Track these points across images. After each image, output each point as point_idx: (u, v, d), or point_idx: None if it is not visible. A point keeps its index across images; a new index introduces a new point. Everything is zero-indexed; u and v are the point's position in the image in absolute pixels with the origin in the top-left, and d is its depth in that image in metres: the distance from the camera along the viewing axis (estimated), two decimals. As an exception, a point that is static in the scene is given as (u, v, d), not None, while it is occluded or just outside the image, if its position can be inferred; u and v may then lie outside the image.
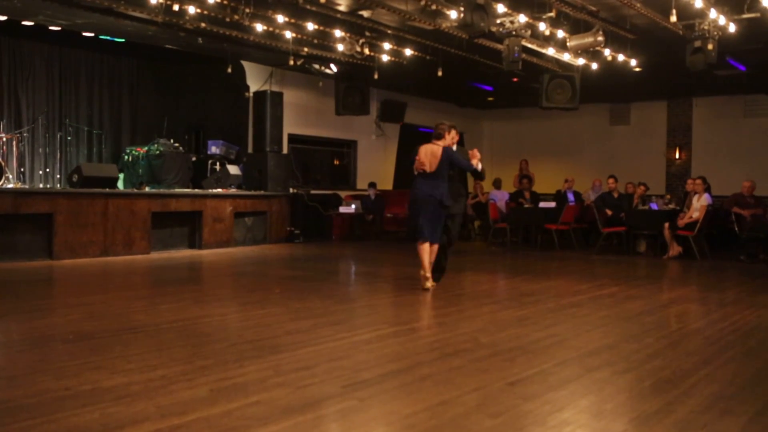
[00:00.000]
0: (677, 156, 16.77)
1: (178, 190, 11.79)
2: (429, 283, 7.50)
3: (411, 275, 9.43)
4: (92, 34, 11.46)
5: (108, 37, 11.76)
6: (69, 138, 12.72)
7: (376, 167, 16.67)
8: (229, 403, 3.55)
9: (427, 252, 7.50)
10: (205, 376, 4.03)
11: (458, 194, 8.09)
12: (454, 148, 7.86)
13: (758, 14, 8.70)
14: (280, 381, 3.96)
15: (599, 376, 4.23)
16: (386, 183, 16.90)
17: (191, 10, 9.46)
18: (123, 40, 11.82)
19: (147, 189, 11.50)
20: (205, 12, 9.57)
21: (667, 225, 11.83)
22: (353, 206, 14.18)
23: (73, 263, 9.60)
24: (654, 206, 12.87)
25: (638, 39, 10.48)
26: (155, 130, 13.62)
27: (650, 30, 10.05)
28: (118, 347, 4.73)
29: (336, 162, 16.71)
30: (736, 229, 11.98)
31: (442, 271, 8.04)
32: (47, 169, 12.42)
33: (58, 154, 12.56)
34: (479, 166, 8.02)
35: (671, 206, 12.98)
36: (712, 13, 8.78)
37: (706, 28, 9.17)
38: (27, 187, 11.08)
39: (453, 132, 7.83)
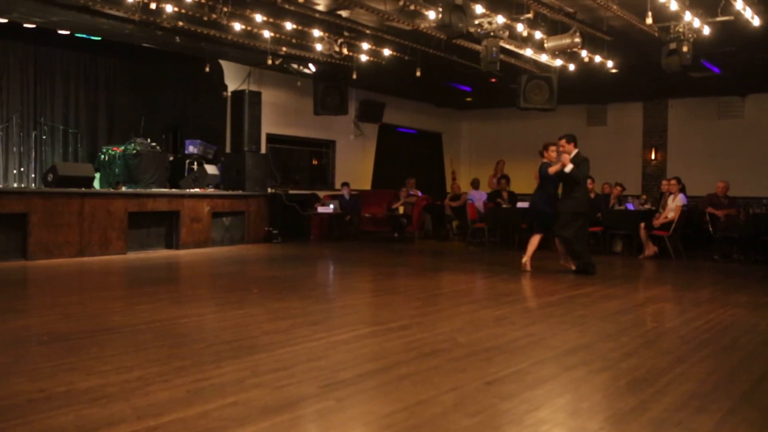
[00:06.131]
0: (653, 157, 16.95)
1: (155, 190, 11.71)
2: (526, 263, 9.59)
3: (389, 274, 9.46)
4: (68, 32, 11.35)
5: (84, 36, 11.65)
6: (44, 137, 12.59)
7: (354, 167, 16.67)
8: (206, 403, 3.53)
9: (534, 240, 9.73)
10: (181, 377, 4.01)
11: (563, 197, 9.39)
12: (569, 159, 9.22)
13: (731, 17, 8.82)
14: (258, 381, 3.95)
15: (575, 375, 4.26)
16: (365, 183, 16.91)
17: (168, 8, 9.40)
18: (99, 38, 11.71)
19: (123, 189, 11.41)
20: (183, 11, 9.51)
21: (642, 225, 11.96)
22: (331, 206, 14.16)
23: (48, 264, 9.50)
24: (630, 206, 13.01)
25: (615, 41, 10.57)
26: (132, 130, 13.52)
27: (626, 32, 10.15)
28: (93, 348, 4.68)
29: (314, 162, 16.69)
30: (711, 229, 12.13)
31: (578, 260, 9.36)
32: (21, 169, 12.28)
33: (33, 154, 12.42)
34: (567, 169, 9.12)
35: (647, 206, 13.12)
36: (687, 16, 8.89)
37: (681, 30, 9.28)
38: (1, 186, 10.95)
39: (553, 146, 9.48)
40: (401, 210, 15.04)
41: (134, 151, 12.29)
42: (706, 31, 9.25)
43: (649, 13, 8.38)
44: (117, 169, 12.35)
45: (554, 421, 3.40)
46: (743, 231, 11.60)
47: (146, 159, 12.32)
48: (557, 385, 4.03)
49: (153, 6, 9.23)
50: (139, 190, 11.42)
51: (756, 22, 8.86)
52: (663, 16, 9.02)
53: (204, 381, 3.94)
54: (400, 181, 15.81)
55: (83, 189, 10.50)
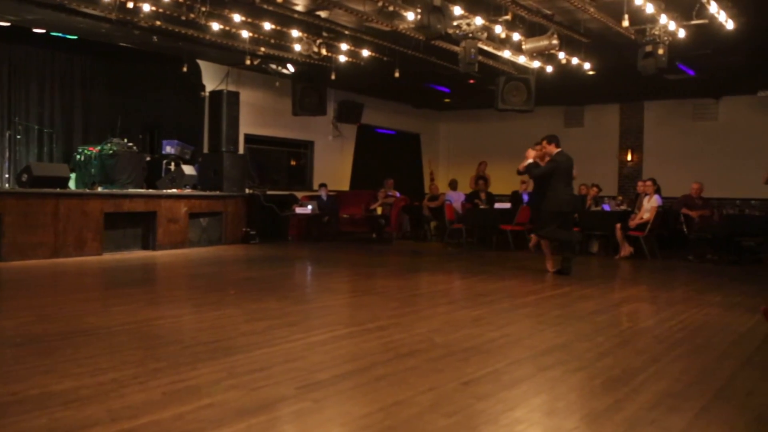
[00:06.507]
0: (629, 158, 17.09)
1: (131, 191, 11.61)
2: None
3: (367, 275, 9.46)
4: (43, 31, 11.22)
5: (60, 34, 11.53)
6: (18, 137, 12.41)
7: (333, 168, 16.65)
8: (181, 405, 3.51)
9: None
10: (157, 378, 3.99)
11: (544, 197, 9.45)
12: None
13: (706, 21, 8.92)
14: (234, 383, 3.93)
15: (551, 374, 4.29)
16: (343, 184, 16.90)
17: (146, 7, 9.32)
18: (75, 37, 11.59)
19: (99, 189, 11.30)
20: (160, 10, 9.44)
21: (618, 226, 12.06)
22: (309, 207, 14.13)
23: (22, 265, 9.38)
24: (606, 207, 13.12)
25: (592, 43, 10.66)
26: (109, 130, 13.38)
27: (603, 34, 10.23)
28: (68, 350, 4.64)
29: (293, 162, 16.65)
30: (685, 229, 12.28)
31: (567, 249, 9.48)
32: (-5, 169, 12.11)
33: (7, 153, 12.23)
34: (524, 164, 9.61)
35: (623, 207, 13.23)
36: (663, 19, 8.98)
37: (656, 33, 9.37)
38: (-26, 186, 10.79)
39: (538, 146, 9.61)
40: (379, 211, 15.06)
41: (111, 152, 12.16)
42: (682, 34, 9.34)
43: (626, 16, 8.45)
44: (93, 170, 12.21)
45: (530, 421, 3.42)
46: (717, 231, 11.76)
47: (123, 159, 12.19)
48: (533, 385, 4.06)
49: (130, 5, 9.16)
50: (115, 191, 11.32)
51: (730, 25, 8.98)
52: (639, 19, 9.11)
53: (180, 383, 3.92)
54: (379, 181, 15.83)
55: (58, 189, 10.38)
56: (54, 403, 3.50)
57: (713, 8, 8.46)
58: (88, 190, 11.14)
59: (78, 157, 12.53)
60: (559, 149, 9.37)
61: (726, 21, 8.85)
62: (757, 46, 11.00)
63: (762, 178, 12.23)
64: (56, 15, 9.81)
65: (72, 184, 11.76)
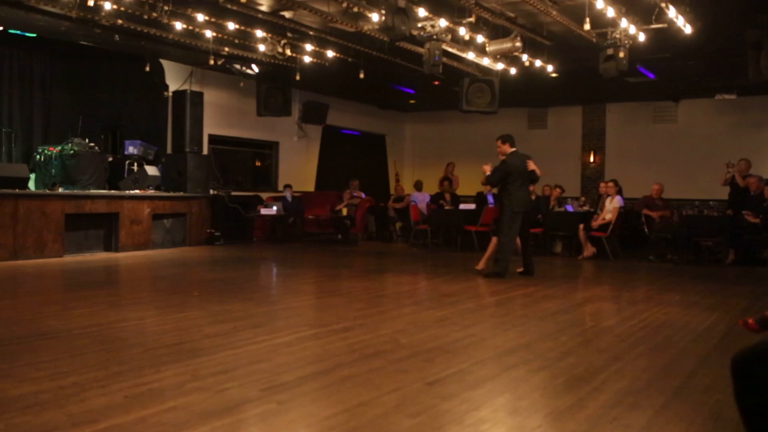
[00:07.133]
0: (592, 159, 17.32)
1: (93, 191, 11.44)
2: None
3: (332, 276, 9.45)
4: (1, 28, 10.99)
5: (18, 32, 11.30)
6: (-25, 136, 12.16)
7: (298, 169, 16.59)
8: (144, 409, 3.47)
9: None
10: (119, 382, 3.94)
11: (501, 200, 9.57)
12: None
13: (665, 25, 9.09)
14: (198, 385, 3.90)
15: (515, 374, 4.33)
16: (308, 185, 16.84)
17: (107, 6, 9.20)
18: (35, 35, 11.38)
19: (60, 190, 11.11)
20: (122, 9, 9.32)
21: (581, 226, 12.23)
22: (275, 208, 14.07)
23: (-20, 267, 9.20)
24: (569, 208, 13.29)
25: (554, 46, 10.78)
26: (70, 129, 13.16)
27: (566, 37, 10.36)
28: (27, 354, 4.56)
29: (258, 163, 16.55)
30: (646, 230, 12.49)
31: (497, 262, 9.37)
32: (-49, 169, 11.82)
33: (-36, 153, 11.99)
34: (485, 177, 9.60)
35: (585, 208, 13.41)
36: (623, 23, 9.12)
37: (617, 36, 9.52)
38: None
39: (499, 143, 9.52)
40: (345, 212, 15.05)
41: (71, 152, 11.95)
42: (642, 37, 9.51)
43: (587, 20, 8.58)
44: (53, 170, 11.98)
45: (494, 420, 3.45)
46: (677, 232, 11.98)
47: (84, 159, 11.99)
48: (497, 385, 4.09)
49: (91, 3, 9.01)
50: (76, 192, 11.13)
51: (688, 30, 9.16)
52: (600, 23, 9.24)
53: (142, 386, 3.88)
54: (344, 182, 15.81)
55: (17, 190, 10.18)
56: (12, 408, 3.44)
57: (672, 13, 8.62)
58: (48, 191, 10.95)
59: (38, 157, 12.28)
60: (513, 149, 9.40)
61: (684, 25, 9.02)
62: (714, 51, 11.25)
63: (720, 180, 12.52)
64: (14, 12, 9.61)
65: (31, 185, 11.54)
